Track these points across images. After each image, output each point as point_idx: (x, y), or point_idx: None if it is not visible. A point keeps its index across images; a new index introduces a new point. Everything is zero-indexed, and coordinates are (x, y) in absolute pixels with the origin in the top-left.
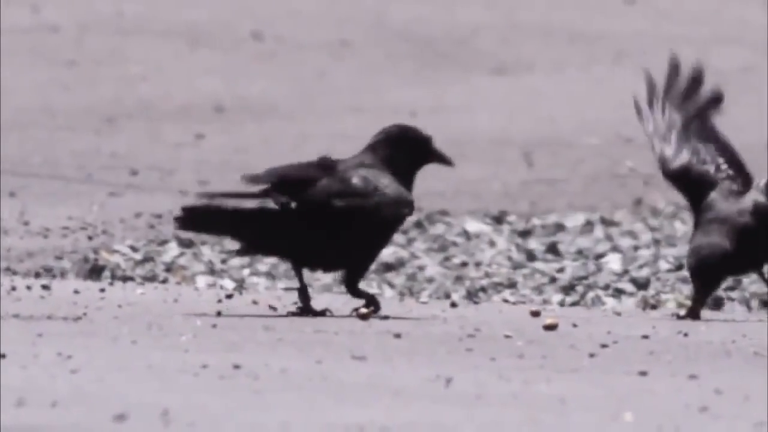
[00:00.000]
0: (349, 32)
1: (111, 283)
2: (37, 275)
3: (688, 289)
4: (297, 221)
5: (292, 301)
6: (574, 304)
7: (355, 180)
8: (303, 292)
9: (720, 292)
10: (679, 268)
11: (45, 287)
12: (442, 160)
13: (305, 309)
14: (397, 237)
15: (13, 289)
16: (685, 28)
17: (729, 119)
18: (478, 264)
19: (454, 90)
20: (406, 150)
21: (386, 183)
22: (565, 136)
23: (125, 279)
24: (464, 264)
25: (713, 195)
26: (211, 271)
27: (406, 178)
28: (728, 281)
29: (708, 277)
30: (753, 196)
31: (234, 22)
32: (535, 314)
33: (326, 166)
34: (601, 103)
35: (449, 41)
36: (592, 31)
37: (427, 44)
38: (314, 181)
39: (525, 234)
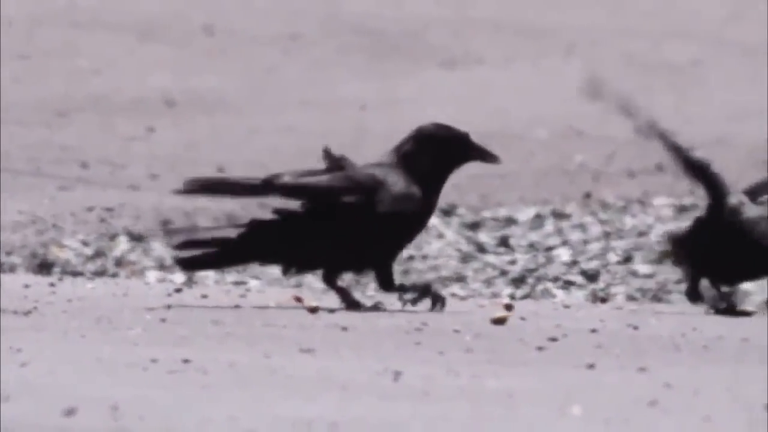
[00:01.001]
0: (299, 26)
1: (61, 278)
2: None
3: (637, 282)
4: (307, 225)
5: (239, 294)
6: (524, 297)
7: (358, 176)
8: (341, 292)
9: (670, 285)
10: (627, 260)
11: None
12: (484, 156)
13: (352, 303)
14: None
15: None
16: (636, 21)
17: (680, 112)
18: (425, 257)
19: (405, 83)
20: (435, 149)
21: (393, 180)
22: (515, 129)
23: (75, 274)
24: (411, 257)
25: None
26: (161, 266)
27: (434, 177)
28: (679, 274)
29: None
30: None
31: (185, 15)
32: (509, 307)
33: (338, 165)
34: (552, 97)
35: (400, 35)
36: (542, 24)
37: (377, 38)
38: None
39: (475, 227)
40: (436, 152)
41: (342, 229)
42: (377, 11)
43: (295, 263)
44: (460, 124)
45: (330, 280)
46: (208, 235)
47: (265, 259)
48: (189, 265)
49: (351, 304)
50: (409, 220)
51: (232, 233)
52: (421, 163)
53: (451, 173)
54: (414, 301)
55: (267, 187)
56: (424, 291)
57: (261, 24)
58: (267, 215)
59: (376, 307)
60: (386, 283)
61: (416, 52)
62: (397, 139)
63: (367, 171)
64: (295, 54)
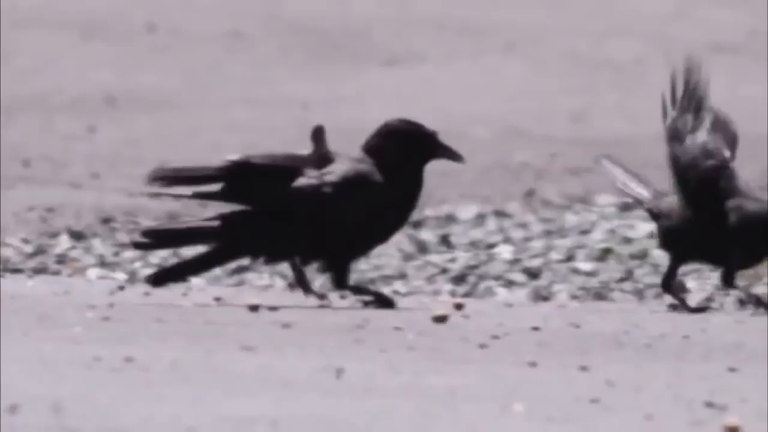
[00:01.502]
0: (242, 24)
1: (2, 276)
2: None
3: (579, 281)
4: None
5: (181, 292)
6: (466, 295)
7: (325, 188)
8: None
9: (612, 283)
10: (569, 258)
11: None
12: (450, 155)
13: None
14: None
15: None
16: (579, 20)
17: (624, 111)
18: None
19: (347, 82)
20: (402, 144)
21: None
22: (457, 127)
23: (16, 271)
24: None
25: None
26: (103, 264)
27: (404, 173)
28: (621, 273)
29: None
30: None
31: (128, 13)
32: (459, 306)
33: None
34: (493, 95)
35: (342, 33)
36: (484, 22)
37: (320, 36)
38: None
39: (417, 225)
40: (404, 148)
41: (313, 220)
42: (320, 10)
43: (271, 254)
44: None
45: (340, 283)
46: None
47: (239, 254)
48: (161, 280)
49: (378, 299)
50: (377, 218)
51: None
52: (390, 158)
53: (422, 170)
54: (365, 303)
55: (238, 167)
56: (376, 296)
57: (204, 22)
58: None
59: (323, 296)
60: (340, 282)
61: (358, 50)
62: (340, 137)
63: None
64: (238, 52)
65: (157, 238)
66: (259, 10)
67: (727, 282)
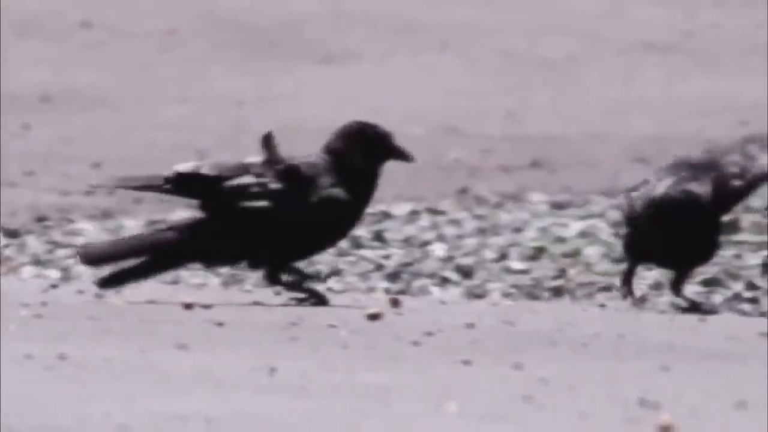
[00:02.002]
0: (176, 22)
1: None
2: None
3: (512, 279)
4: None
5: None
6: (400, 292)
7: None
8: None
9: (545, 281)
10: (503, 257)
11: None
12: (403, 156)
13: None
14: None
15: None
16: (512, 17)
17: (557, 109)
18: None
19: (282, 79)
20: (362, 145)
21: (321, 177)
22: (391, 125)
23: None
24: None
25: None
26: (37, 262)
27: (363, 174)
28: (554, 271)
29: None
30: None
31: (62, 11)
32: (395, 302)
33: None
34: (428, 93)
35: (277, 31)
36: (418, 20)
37: (254, 34)
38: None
39: None
40: (363, 149)
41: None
42: (253, 7)
43: (221, 258)
44: (337, 120)
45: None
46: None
47: (189, 259)
48: (110, 283)
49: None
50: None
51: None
52: (349, 159)
53: (378, 171)
54: (298, 300)
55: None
56: (309, 293)
57: (138, 20)
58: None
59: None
60: (273, 277)
61: (293, 48)
62: (275, 135)
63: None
64: (172, 50)
65: (101, 260)
66: (193, 8)
67: (676, 288)
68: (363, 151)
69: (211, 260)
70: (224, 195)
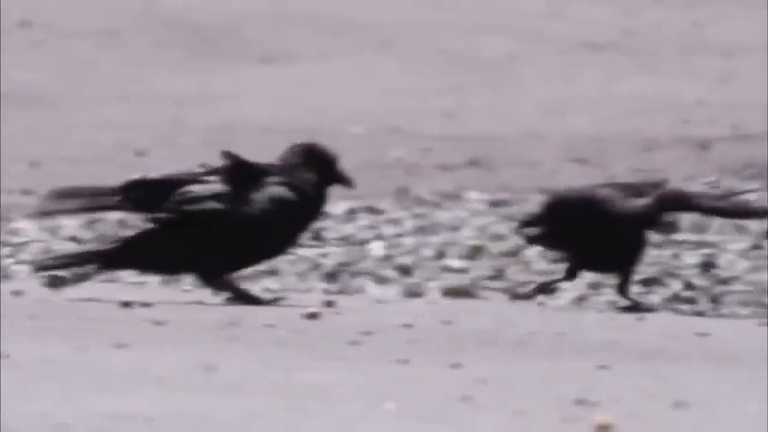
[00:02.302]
0: (117, 21)
1: None
2: None
3: (450, 277)
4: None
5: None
6: (338, 291)
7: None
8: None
9: (483, 281)
10: (441, 255)
11: None
12: (345, 181)
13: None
14: None
15: None
16: (452, 17)
17: (496, 108)
18: None
19: (222, 79)
20: (314, 165)
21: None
22: (331, 125)
23: None
24: None
25: None
26: None
27: (314, 191)
28: (492, 272)
29: None
30: None
31: (2, 10)
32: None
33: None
34: (367, 93)
35: (217, 30)
36: (358, 20)
37: (195, 33)
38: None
39: None
40: (316, 168)
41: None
42: (194, 6)
43: (173, 268)
44: (277, 119)
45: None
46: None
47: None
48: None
49: (242, 297)
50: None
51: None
52: (303, 175)
53: (326, 192)
54: (232, 299)
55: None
56: (244, 297)
57: (78, 19)
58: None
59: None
60: (209, 280)
61: (233, 47)
62: (214, 134)
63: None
64: (112, 49)
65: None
66: (133, 7)
67: (622, 292)
68: (315, 170)
69: (161, 269)
70: (174, 202)
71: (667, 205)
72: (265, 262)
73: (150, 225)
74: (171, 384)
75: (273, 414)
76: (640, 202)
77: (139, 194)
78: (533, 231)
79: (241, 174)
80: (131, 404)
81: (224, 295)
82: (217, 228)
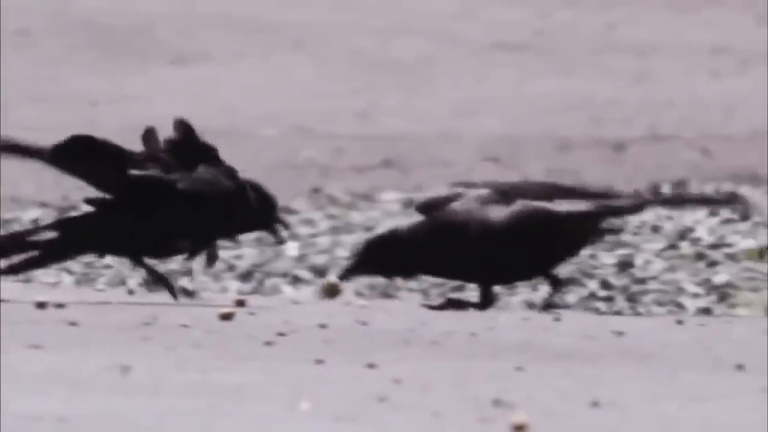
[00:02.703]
0: (28, 22)
1: None
2: None
3: (365, 278)
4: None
5: None
6: (252, 292)
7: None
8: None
9: (398, 282)
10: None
11: None
12: (283, 224)
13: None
14: None
15: None
16: (364, 18)
17: (408, 110)
18: None
19: (134, 80)
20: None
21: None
22: (244, 126)
23: None
24: None
25: None
26: None
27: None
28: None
29: None
30: None
31: None
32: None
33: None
34: (280, 94)
35: (129, 31)
36: (270, 21)
37: (107, 34)
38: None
39: None
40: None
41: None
42: (106, 8)
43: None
44: (189, 120)
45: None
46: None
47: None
48: (12, 270)
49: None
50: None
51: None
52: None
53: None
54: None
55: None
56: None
57: None
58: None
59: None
60: (139, 260)
61: (145, 48)
62: (127, 134)
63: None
64: (24, 49)
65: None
66: (45, 8)
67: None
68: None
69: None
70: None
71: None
72: (197, 243)
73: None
74: (85, 385)
75: (188, 414)
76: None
77: (79, 155)
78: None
79: (187, 147)
80: (45, 405)
81: (147, 280)
82: (159, 199)
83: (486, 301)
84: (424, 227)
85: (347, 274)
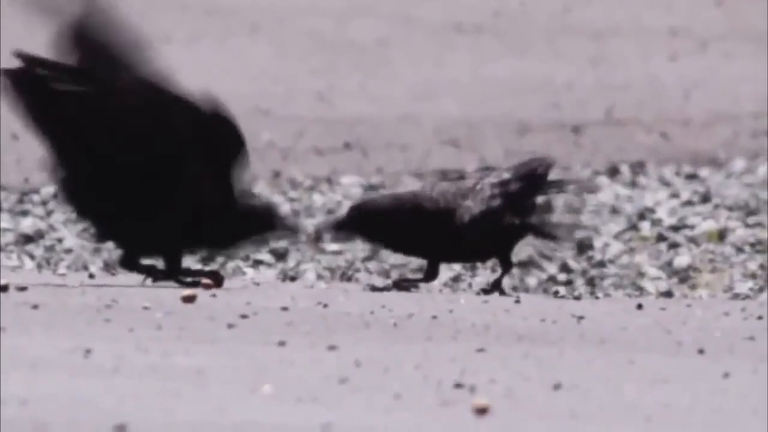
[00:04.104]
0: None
1: None
2: None
3: (325, 260)
4: None
5: None
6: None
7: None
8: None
9: (358, 263)
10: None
11: None
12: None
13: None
14: (36, 209)
15: None
16: (321, 0)
17: (366, 92)
18: None
19: None
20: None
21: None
22: None
23: None
24: None
25: None
26: None
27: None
28: (367, 252)
29: None
30: None
31: None
32: (207, 286)
33: None
34: (238, 76)
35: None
36: (227, 3)
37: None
38: None
39: None
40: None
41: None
42: None
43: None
44: None
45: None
46: None
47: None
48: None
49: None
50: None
51: None
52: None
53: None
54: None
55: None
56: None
57: None
58: None
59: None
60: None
61: None
62: None
63: None
64: None
65: None
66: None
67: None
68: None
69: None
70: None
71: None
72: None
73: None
74: (46, 366)
75: (149, 396)
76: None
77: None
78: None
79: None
80: (6, 387)
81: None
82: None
83: (430, 274)
84: (392, 201)
85: (330, 228)
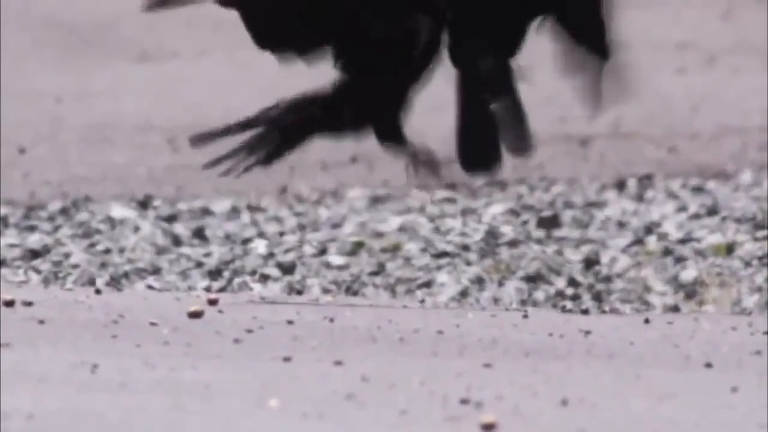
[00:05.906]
0: None
1: None
2: None
3: (331, 275)
4: None
5: None
6: (221, 289)
7: None
8: None
9: (364, 277)
10: (322, 252)
11: None
12: None
13: None
14: (43, 224)
15: None
16: None
17: None
18: (122, 250)
19: (99, 77)
20: None
21: None
22: (209, 123)
23: None
24: (108, 250)
25: None
26: None
27: None
28: (373, 266)
29: None
30: None
31: None
32: (212, 302)
33: None
34: (247, 90)
35: (93, 28)
36: (235, 17)
37: (71, 31)
38: None
39: (171, 219)
40: None
41: None
42: (70, 4)
43: None
44: (155, 117)
45: None
46: None
47: None
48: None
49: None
50: None
51: None
52: None
53: None
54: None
55: None
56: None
57: None
58: None
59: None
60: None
61: (109, 45)
62: (92, 131)
63: None
64: None
65: None
66: (9, 5)
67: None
68: None
69: None
70: None
71: None
72: None
73: None
74: (52, 382)
75: (155, 411)
76: None
77: None
78: None
79: None
80: (12, 402)
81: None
82: None
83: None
84: None
85: None
